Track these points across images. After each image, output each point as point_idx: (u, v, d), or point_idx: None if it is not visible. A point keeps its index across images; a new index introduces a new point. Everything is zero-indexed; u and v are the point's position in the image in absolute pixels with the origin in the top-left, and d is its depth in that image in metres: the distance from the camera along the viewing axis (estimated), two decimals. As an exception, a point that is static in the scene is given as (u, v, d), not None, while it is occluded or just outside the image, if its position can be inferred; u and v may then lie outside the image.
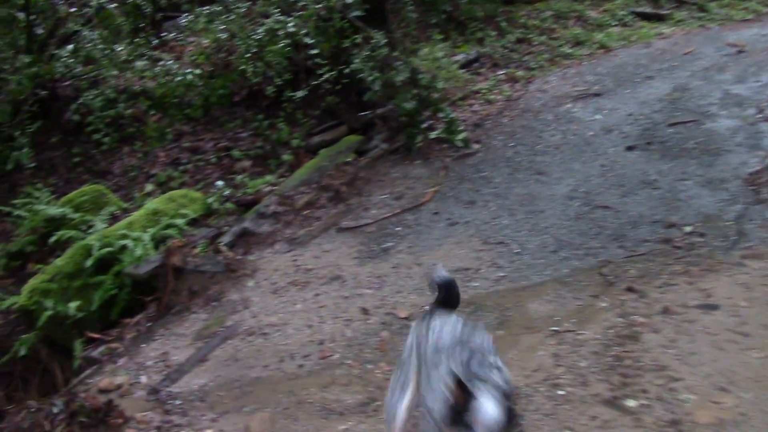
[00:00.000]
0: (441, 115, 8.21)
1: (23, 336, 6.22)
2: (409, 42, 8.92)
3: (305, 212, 7.01)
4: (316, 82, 8.11)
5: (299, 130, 8.51)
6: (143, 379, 4.74)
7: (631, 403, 3.61)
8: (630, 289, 4.79)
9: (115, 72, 8.68)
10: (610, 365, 3.95)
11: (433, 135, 8.11)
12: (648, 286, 4.81)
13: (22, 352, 6.13)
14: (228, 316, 5.41)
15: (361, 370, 4.45)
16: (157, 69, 8.88)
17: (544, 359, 4.16)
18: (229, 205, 7.25)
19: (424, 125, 8.17)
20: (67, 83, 8.77)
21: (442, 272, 3.28)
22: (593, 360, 4.04)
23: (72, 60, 8.53)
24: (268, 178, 7.69)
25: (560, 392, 3.78)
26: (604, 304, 4.69)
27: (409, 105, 7.89)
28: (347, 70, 7.98)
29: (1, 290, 6.85)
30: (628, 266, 5.17)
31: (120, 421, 4.04)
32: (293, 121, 8.58)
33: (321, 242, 6.47)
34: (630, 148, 7.33)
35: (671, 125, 7.68)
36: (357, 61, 7.77)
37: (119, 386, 4.58)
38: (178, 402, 4.36)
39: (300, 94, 8.16)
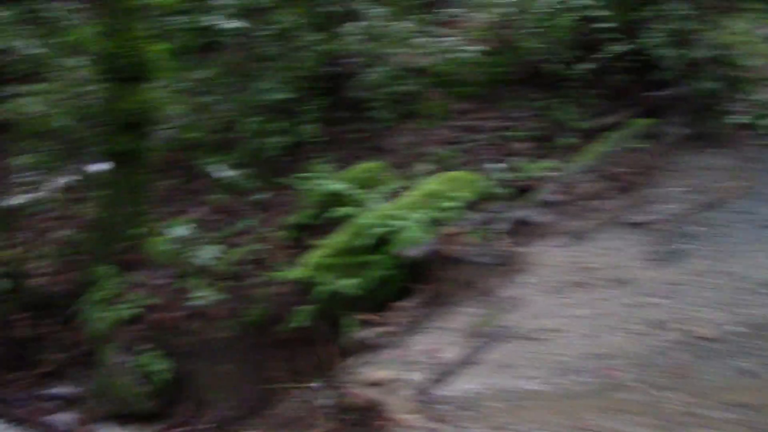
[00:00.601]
0: (748, 97, 7.23)
1: (299, 308, 6.43)
2: (713, 14, 7.93)
3: (587, 202, 6.47)
4: (604, 56, 7.45)
5: (582, 112, 7.91)
6: (408, 375, 4.49)
7: None
8: None
9: (397, 49, 8.68)
10: None
11: (737, 120, 7.15)
12: None
13: (302, 323, 6.34)
14: (500, 315, 5.06)
15: (651, 397, 3.86)
16: (439, 45, 8.74)
17: None
18: (504, 189, 6.93)
19: (728, 108, 7.23)
20: (351, 60, 8.93)
21: None
22: None
23: (360, 37, 8.64)
24: (547, 163, 7.23)
25: None
26: None
27: (711, 85, 7.02)
28: (639, 46, 7.25)
29: (285, 261, 7.16)
30: None
31: (381, 423, 3.85)
32: (575, 101, 8.00)
33: (603, 238, 5.90)
34: None
35: None
36: (658, 35, 7.00)
37: (385, 381, 4.40)
38: (445, 407, 4.06)
39: (587, 66, 7.55)
